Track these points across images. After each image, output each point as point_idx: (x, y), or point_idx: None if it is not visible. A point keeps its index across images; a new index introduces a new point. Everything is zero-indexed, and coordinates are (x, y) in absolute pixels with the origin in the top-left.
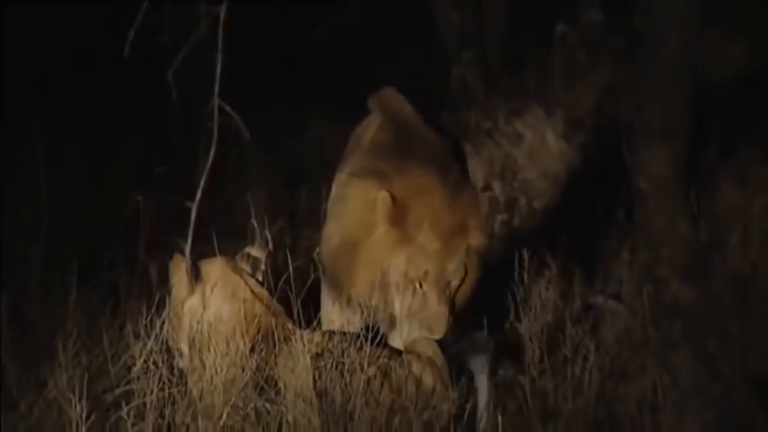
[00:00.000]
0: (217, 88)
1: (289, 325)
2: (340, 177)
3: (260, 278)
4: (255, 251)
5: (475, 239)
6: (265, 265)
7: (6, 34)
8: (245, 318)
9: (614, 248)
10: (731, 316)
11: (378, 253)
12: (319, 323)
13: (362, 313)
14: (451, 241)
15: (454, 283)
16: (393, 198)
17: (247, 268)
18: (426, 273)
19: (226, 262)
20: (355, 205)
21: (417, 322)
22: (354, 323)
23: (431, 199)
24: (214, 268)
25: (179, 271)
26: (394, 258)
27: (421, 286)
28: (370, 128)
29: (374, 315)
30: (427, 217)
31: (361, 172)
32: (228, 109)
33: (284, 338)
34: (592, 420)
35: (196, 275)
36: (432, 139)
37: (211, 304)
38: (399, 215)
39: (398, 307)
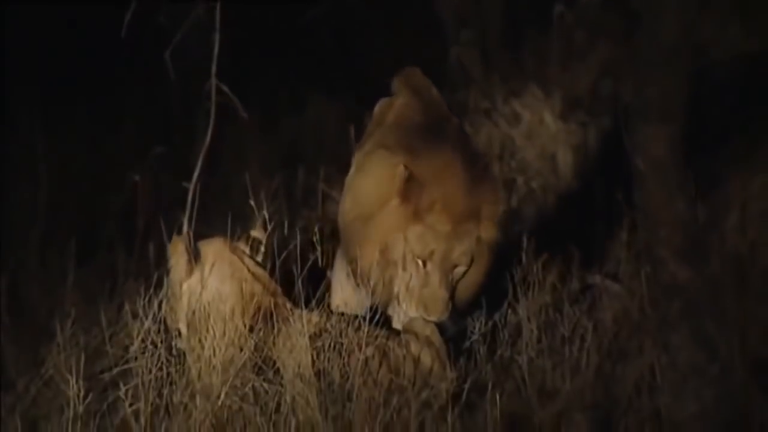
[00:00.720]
0: (214, 68)
1: (288, 305)
2: (363, 148)
3: (260, 260)
4: (256, 233)
5: (487, 231)
6: (266, 247)
7: (4, 15)
8: (244, 298)
9: (612, 228)
10: (729, 296)
11: (387, 227)
12: (317, 303)
13: (365, 288)
14: (461, 225)
15: (460, 268)
16: (410, 173)
17: (248, 250)
18: (432, 253)
19: (225, 242)
20: (373, 177)
21: (415, 301)
22: (359, 297)
23: (449, 182)
24: (213, 248)
25: (178, 251)
26: (402, 233)
27: (425, 265)
28: (395, 105)
29: (375, 290)
30: (441, 199)
31: (385, 144)
32: (225, 89)
33: (283, 318)
34: (589, 400)
35: (195, 255)
36: (456, 124)
37: (210, 284)
38: (414, 192)
39: (398, 282)
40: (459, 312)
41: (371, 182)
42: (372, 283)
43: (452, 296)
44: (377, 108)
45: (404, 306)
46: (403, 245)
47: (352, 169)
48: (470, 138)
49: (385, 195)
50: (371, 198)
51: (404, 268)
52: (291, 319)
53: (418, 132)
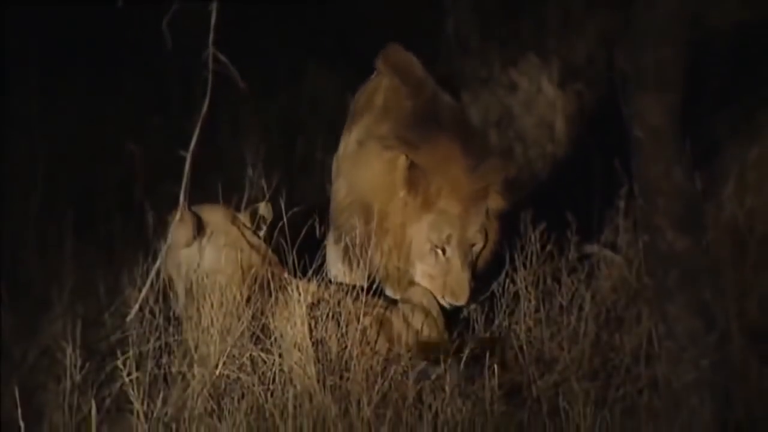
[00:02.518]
0: (212, 38)
1: (285, 275)
2: (355, 135)
3: (262, 235)
4: (263, 209)
5: (495, 202)
6: (269, 224)
7: None
8: (242, 268)
9: (610, 197)
10: (727, 265)
11: (399, 220)
12: (314, 273)
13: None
14: (472, 206)
15: (477, 247)
16: (412, 164)
17: (249, 223)
18: (449, 237)
19: (227, 212)
20: (370, 169)
21: (440, 290)
22: (352, 278)
23: (451, 164)
24: (214, 216)
25: (183, 219)
26: (416, 224)
27: (444, 252)
28: (381, 88)
29: (392, 286)
30: (447, 182)
31: (378, 134)
32: (223, 58)
33: (280, 288)
34: (587, 369)
35: (198, 225)
36: (446, 102)
37: (208, 252)
38: (419, 181)
39: (420, 273)
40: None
41: (368, 174)
42: (389, 278)
43: (474, 276)
44: (363, 88)
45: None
46: (419, 236)
47: (344, 152)
48: (462, 112)
49: (385, 188)
50: (369, 189)
51: (423, 260)
52: (288, 289)
53: (410, 118)
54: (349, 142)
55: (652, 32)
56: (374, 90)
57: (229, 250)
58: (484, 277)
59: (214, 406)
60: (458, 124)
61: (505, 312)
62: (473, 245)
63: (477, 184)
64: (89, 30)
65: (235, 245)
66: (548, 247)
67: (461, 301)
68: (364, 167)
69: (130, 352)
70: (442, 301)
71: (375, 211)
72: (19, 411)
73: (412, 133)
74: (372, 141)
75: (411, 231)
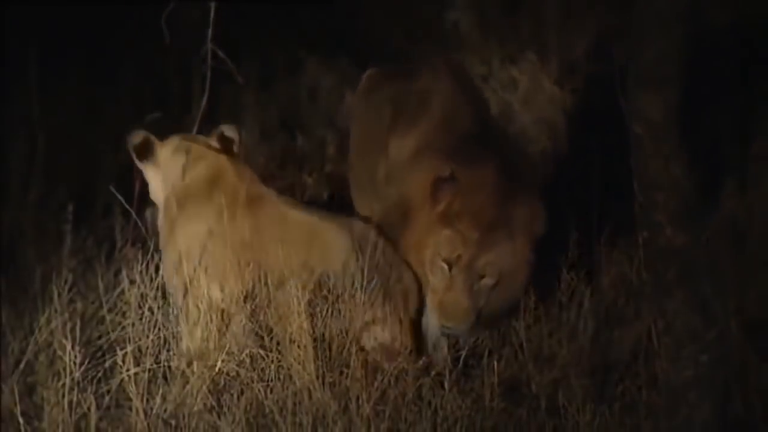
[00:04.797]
0: (210, 33)
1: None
2: (412, 142)
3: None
4: (228, 130)
5: (521, 249)
6: (239, 144)
7: None
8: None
9: (609, 193)
10: (726, 261)
11: (420, 228)
12: None
13: None
14: (489, 235)
15: (487, 280)
16: (448, 177)
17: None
18: (459, 258)
19: (183, 137)
20: (420, 179)
21: (437, 305)
22: None
23: (482, 190)
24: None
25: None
26: (434, 236)
27: (450, 269)
28: (437, 96)
29: None
30: (470, 206)
31: (433, 146)
32: (221, 54)
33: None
34: (586, 366)
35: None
36: (502, 131)
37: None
38: (444, 194)
39: (428, 286)
40: (485, 326)
41: (416, 182)
42: None
43: (477, 308)
44: (405, 90)
45: (428, 307)
46: (434, 248)
47: (394, 155)
48: (512, 141)
49: (424, 197)
50: (413, 197)
51: (431, 272)
52: (287, 285)
53: (465, 137)
54: (403, 146)
55: (652, 28)
56: (426, 93)
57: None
58: (495, 317)
59: (214, 403)
60: (509, 156)
61: None
62: (482, 276)
63: (501, 215)
64: (88, 24)
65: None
66: (548, 243)
67: (452, 323)
68: (418, 176)
69: (129, 349)
70: (433, 319)
71: (412, 218)
72: (19, 408)
73: (461, 145)
74: (430, 152)
75: (429, 241)
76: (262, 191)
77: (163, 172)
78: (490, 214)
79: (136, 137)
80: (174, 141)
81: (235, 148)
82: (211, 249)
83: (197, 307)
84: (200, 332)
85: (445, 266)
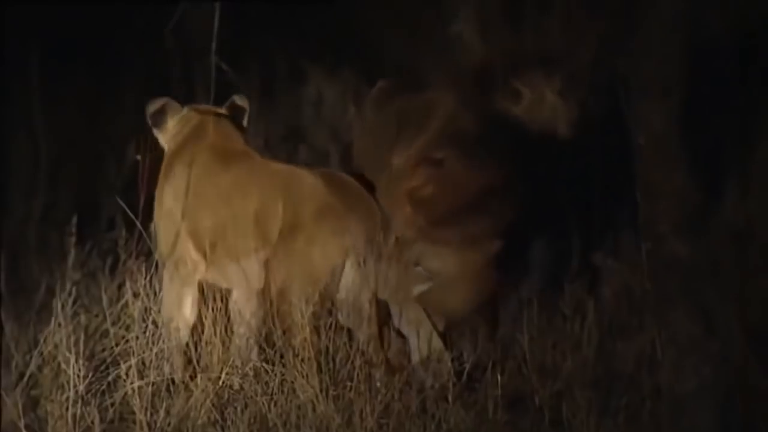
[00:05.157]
0: (214, 46)
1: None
2: (413, 151)
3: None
4: (239, 100)
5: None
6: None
7: None
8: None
9: (613, 205)
10: (729, 272)
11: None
12: None
13: None
14: (441, 231)
15: (421, 271)
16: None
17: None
18: (398, 238)
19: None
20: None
21: None
22: None
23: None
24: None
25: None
26: (396, 208)
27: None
28: (443, 107)
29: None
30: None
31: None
32: (224, 65)
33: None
34: (590, 377)
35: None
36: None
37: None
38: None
39: None
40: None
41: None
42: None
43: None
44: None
45: None
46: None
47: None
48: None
49: None
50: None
51: None
52: (292, 300)
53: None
54: (405, 159)
55: (654, 38)
56: (430, 107)
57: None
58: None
59: (217, 416)
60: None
61: (508, 321)
62: (417, 264)
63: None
64: (92, 34)
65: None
66: (551, 255)
67: None
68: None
69: (133, 362)
70: None
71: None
72: (23, 421)
73: (463, 155)
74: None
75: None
76: (244, 148)
77: (167, 138)
78: (452, 215)
79: (154, 104)
80: (181, 109)
81: (245, 118)
82: (190, 206)
83: (177, 269)
84: (205, 345)
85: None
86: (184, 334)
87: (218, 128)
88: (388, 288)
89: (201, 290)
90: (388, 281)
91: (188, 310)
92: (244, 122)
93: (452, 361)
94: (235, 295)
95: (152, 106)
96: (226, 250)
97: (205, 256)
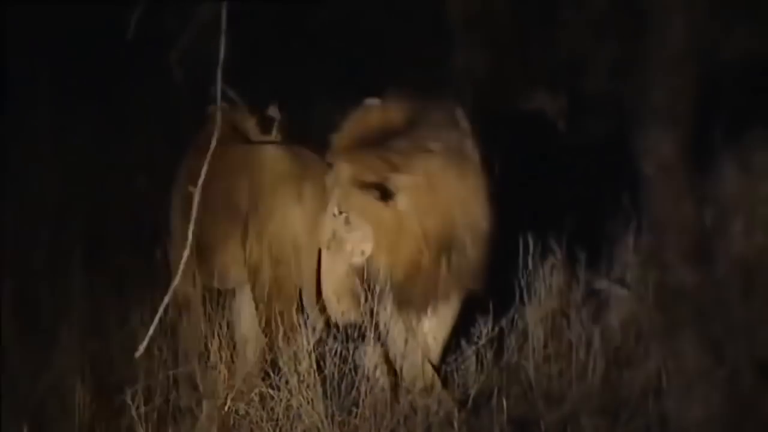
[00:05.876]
0: (220, 74)
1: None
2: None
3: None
4: (271, 111)
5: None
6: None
7: (10, 14)
8: None
9: (619, 232)
10: (736, 301)
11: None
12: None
13: None
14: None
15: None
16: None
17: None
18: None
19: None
20: None
21: None
22: None
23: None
24: None
25: None
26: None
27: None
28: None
29: None
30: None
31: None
32: (232, 94)
33: (290, 326)
34: (596, 405)
35: None
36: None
37: None
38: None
39: None
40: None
41: None
42: None
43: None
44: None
45: None
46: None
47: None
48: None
49: None
50: None
51: None
52: (297, 325)
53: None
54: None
55: (662, 66)
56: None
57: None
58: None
59: None
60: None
61: (514, 348)
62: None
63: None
64: (99, 62)
65: None
66: (557, 283)
67: None
68: None
69: (139, 387)
70: None
71: None
72: None
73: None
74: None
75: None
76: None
77: None
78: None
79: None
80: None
81: (275, 127)
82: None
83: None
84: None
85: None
86: None
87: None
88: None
89: (207, 315)
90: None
91: None
92: (273, 132)
93: (458, 386)
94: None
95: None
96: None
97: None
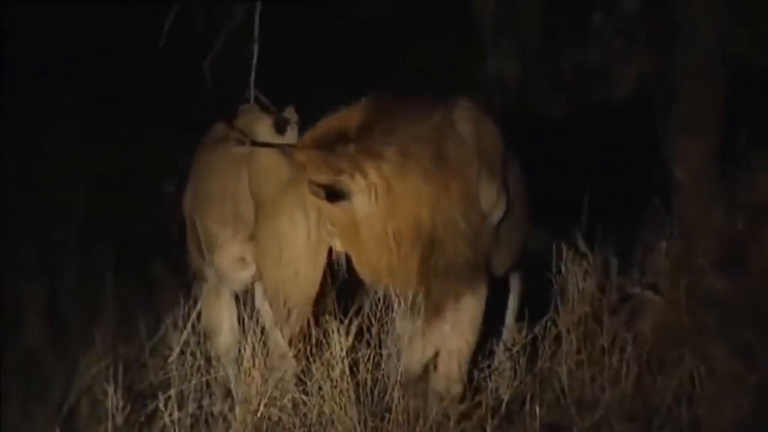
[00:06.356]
0: (253, 79)
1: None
2: None
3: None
4: (287, 113)
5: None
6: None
7: (42, 21)
8: None
9: (651, 239)
10: (767, 306)
11: None
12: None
13: None
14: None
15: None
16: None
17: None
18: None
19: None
20: None
21: None
22: None
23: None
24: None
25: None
26: None
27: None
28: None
29: None
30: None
31: None
32: (264, 99)
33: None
34: (629, 411)
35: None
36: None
37: None
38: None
39: None
40: None
41: None
42: None
43: None
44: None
45: None
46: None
47: None
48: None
49: None
50: None
51: None
52: (329, 329)
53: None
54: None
55: (693, 73)
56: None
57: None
58: None
59: None
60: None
61: (547, 354)
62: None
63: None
64: (131, 68)
65: None
66: (590, 289)
67: None
68: None
69: (172, 393)
70: None
71: None
72: None
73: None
74: None
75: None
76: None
77: None
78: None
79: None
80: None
81: (289, 129)
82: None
83: None
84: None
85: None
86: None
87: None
88: None
89: (240, 320)
90: None
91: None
92: (288, 132)
93: (490, 392)
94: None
95: None
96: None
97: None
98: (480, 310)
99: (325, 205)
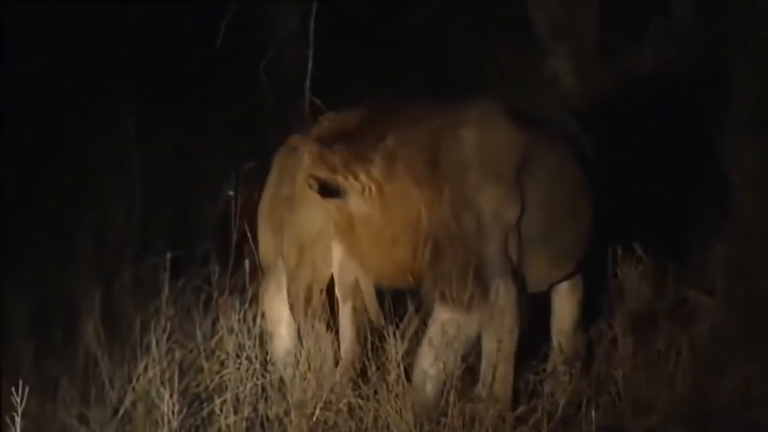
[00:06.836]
0: (308, 83)
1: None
2: None
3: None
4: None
5: None
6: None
7: (101, 26)
8: None
9: (707, 241)
10: None
11: None
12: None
13: None
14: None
15: None
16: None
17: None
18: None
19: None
20: None
21: None
22: None
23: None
24: None
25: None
26: None
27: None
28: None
29: None
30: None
31: None
32: (319, 103)
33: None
34: (685, 414)
35: None
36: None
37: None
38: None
39: None
40: None
41: None
42: None
43: None
44: None
45: None
46: None
47: None
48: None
49: None
50: None
51: None
52: (385, 334)
53: None
54: None
55: (749, 73)
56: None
57: None
58: None
59: None
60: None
61: (602, 357)
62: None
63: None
64: (187, 71)
65: None
66: (645, 292)
67: None
68: None
69: (227, 397)
70: None
71: None
72: None
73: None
74: None
75: None
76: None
77: None
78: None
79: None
80: None
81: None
82: None
83: None
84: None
85: None
86: None
87: None
88: None
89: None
90: None
91: None
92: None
93: (546, 396)
94: None
95: None
96: None
97: None
98: (506, 312)
99: (329, 205)
